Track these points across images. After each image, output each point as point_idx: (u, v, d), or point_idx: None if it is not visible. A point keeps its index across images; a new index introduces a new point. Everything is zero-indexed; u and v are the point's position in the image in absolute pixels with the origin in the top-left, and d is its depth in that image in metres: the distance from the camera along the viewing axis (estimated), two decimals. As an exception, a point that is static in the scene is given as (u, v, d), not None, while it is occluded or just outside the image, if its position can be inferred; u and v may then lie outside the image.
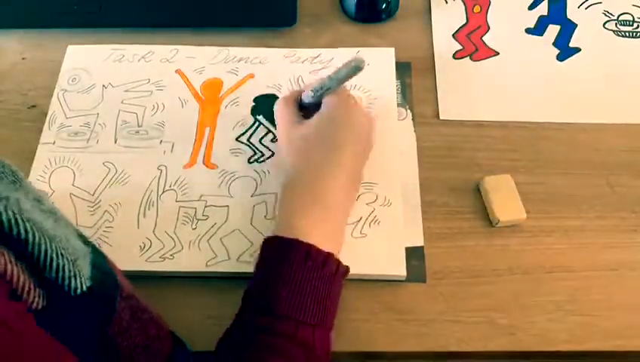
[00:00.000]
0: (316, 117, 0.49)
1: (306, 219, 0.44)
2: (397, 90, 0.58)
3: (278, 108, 0.52)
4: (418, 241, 0.50)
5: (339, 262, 0.44)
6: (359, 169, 0.49)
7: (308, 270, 0.42)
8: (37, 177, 0.53)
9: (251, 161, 0.54)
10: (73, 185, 0.53)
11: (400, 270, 0.48)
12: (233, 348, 0.41)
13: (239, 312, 0.43)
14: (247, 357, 0.40)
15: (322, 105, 0.50)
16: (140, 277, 0.48)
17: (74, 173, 0.53)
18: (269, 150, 0.54)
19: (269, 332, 0.40)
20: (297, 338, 0.40)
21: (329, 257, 0.43)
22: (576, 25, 0.63)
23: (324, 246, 0.43)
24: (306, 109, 0.52)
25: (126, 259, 0.48)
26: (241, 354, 0.40)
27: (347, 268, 0.45)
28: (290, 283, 0.41)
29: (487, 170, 0.53)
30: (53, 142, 0.55)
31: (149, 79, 0.59)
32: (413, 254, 0.49)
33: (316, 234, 0.43)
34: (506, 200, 0.51)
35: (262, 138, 0.55)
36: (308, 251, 0.42)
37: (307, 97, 0.51)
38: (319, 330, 0.41)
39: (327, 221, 0.45)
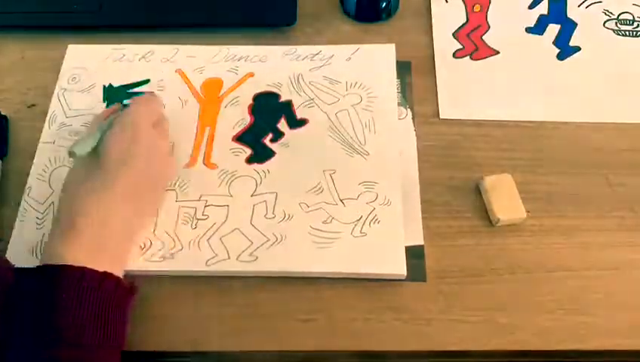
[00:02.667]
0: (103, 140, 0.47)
1: (73, 248, 0.42)
2: (397, 89, 0.58)
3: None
4: (418, 240, 0.50)
5: (119, 281, 0.43)
6: (138, 201, 0.47)
7: (83, 290, 0.41)
8: (37, 176, 0.53)
9: (251, 160, 0.54)
10: (73, 184, 0.52)
11: (400, 269, 0.48)
12: None
13: (17, 346, 0.40)
14: None
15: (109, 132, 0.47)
16: (140, 277, 0.48)
17: (74, 172, 0.53)
18: (270, 149, 0.54)
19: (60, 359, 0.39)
20: None
21: (106, 276, 0.42)
22: (577, 24, 0.63)
23: (100, 269, 0.42)
24: None
25: (126, 258, 0.48)
26: None
27: (132, 286, 0.44)
28: (67, 307, 0.40)
29: (487, 170, 0.53)
30: (53, 142, 0.55)
31: (149, 79, 0.59)
32: (414, 253, 0.49)
33: (87, 260, 0.42)
34: (506, 199, 0.51)
35: (262, 137, 0.55)
36: (82, 273, 0.41)
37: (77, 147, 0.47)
38: (103, 351, 0.41)
39: (102, 240, 0.44)
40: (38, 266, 0.43)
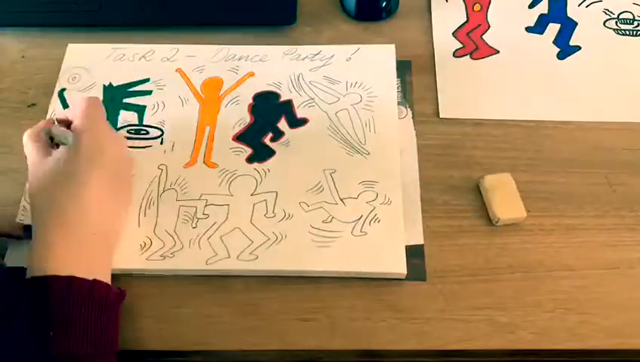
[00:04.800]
0: (60, 150, 0.46)
1: (57, 257, 0.42)
2: (397, 88, 0.58)
3: (24, 144, 0.48)
4: (418, 240, 0.50)
5: (108, 287, 0.43)
6: (116, 191, 0.47)
7: (74, 300, 0.40)
8: (37, 176, 0.53)
9: (251, 159, 0.54)
10: (73, 183, 0.52)
11: (400, 268, 0.48)
12: None
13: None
14: None
15: (72, 136, 0.46)
16: (140, 276, 0.48)
17: (74, 171, 0.53)
18: (270, 149, 0.54)
19: None
20: None
21: (95, 283, 0.42)
22: (577, 23, 0.63)
23: (88, 276, 0.42)
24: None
25: (126, 258, 0.48)
26: None
27: (121, 291, 0.44)
28: (59, 319, 0.39)
29: (487, 169, 0.53)
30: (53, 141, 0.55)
31: (149, 78, 0.59)
32: (414, 252, 0.49)
33: (74, 267, 0.41)
34: (506, 198, 0.51)
35: (262, 136, 0.55)
36: (69, 282, 0.41)
37: (56, 129, 0.48)
38: (100, 359, 0.41)
39: (83, 254, 0.43)
40: (26, 279, 0.42)
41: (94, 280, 0.42)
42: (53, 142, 0.48)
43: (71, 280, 0.41)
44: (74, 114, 0.48)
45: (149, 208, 0.51)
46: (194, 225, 0.50)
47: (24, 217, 0.51)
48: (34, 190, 0.46)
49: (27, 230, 0.48)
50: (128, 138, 0.55)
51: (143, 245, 0.49)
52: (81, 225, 0.44)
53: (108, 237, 0.46)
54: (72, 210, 0.44)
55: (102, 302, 0.42)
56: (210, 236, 0.50)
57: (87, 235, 0.44)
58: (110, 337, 0.42)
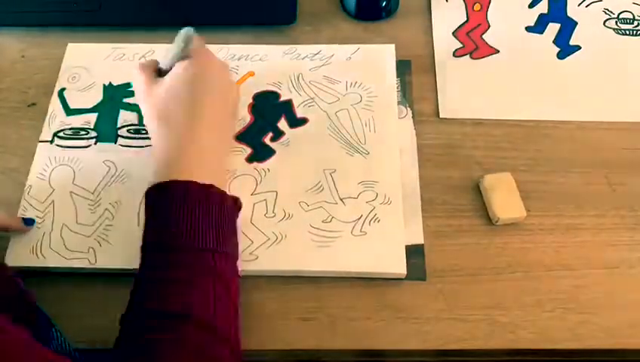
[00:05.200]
0: (169, 75, 0.50)
1: (179, 165, 0.45)
2: (397, 88, 0.58)
3: (134, 75, 0.51)
4: (418, 239, 0.50)
5: (223, 193, 0.45)
6: (222, 119, 0.50)
7: (192, 202, 0.43)
8: (37, 175, 0.53)
9: (251, 159, 0.54)
10: (73, 183, 0.53)
11: (400, 268, 0.48)
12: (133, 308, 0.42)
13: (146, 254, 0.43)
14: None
15: (176, 65, 0.50)
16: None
17: (74, 171, 0.53)
18: (270, 148, 0.54)
19: (172, 266, 0.42)
20: (198, 267, 0.42)
21: (210, 188, 0.44)
22: (577, 23, 0.63)
23: (205, 181, 0.44)
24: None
25: (126, 257, 0.48)
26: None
27: (236, 199, 0.47)
28: (178, 219, 0.42)
29: (487, 168, 0.53)
30: (53, 141, 0.55)
31: (149, 77, 0.59)
32: (414, 252, 0.49)
33: (194, 174, 0.44)
34: (506, 198, 0.51)
35: (262, 136, 0.55)
36: (187, 187, 0.44)
37: (164, 63, 0.51)
38: (219, 256, 0.43)
39: (202, 162, 0.46)
40: (150, 186, 0.45)
41: (210, 185, 0.44)
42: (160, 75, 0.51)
43: (187, 184, 0.44)
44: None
45: (149, 208, 0.51)
46: (194, 225, 0.50)
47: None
48: (149, 112, 0.49)
49: (27, 221, 0.49)
50: (127, 138, 0.55)
51: (142, 245, 0.49)
52: (194, 139, 0.47)
53: (220, 158, 0.49)
54: (187, 125, 0.47)
55: (217, 205, 0.44)
56: (210, 236, 0.49)
57: (205, 147, 0.47)
58: (226, 238, 0.44)
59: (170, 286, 0.41)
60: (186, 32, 0.49)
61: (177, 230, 0.42)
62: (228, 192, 0.47)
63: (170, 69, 0.50)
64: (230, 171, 0.53)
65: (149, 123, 0.49)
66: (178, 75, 0.49)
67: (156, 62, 0.52)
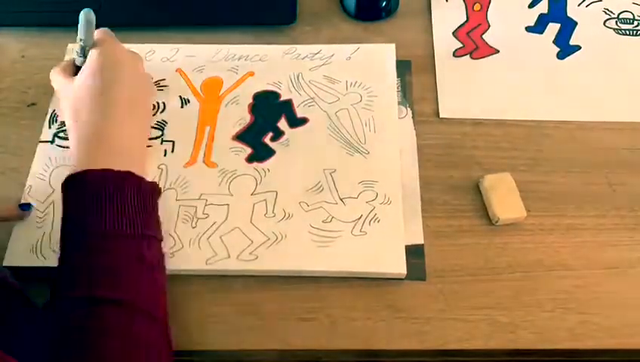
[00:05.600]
0: (80, 71, 0.51)
1: (94, 156, 0.46)
2: (397, 88, 0.58)
3: (52, 74, 0.53)
4: (418, 239, 0.50)
5: (141, 178, 0.46)
6: (135, 107, 0.51)
7: (108, 189, 0.44)
8: (37, 176, 0.53)
9: (251, 159, 0.54)
10: (73, 183, 0.53)
11: (400, 268, 0.48)
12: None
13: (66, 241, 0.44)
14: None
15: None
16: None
17: (74, 171, 0.53)
18: (270, 148, 0.54)
19: (94, 252, 0.42)
20: (122, 252, 0.43)
21: (127, 174, 0.45)
22: (577, 23, 0.63)
23: (122, 168, 0.45)
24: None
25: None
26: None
27: (154, 183, 0.48)
28: (98, 206, 0.43)
29: (487, 168, 0.53)
30: (53, 141, 0.55)
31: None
32: (413, 252, 0.49)
33: (109, 162, 0.45)
34: (505, 198, 0.51)
35: (262, 136, 0.55)
36: (103, 175, 0.44)
37: (77, 60, 0.52)
38: (142, 239, 0.44)
39: (117, 150, 0.47)
40: (66, 177, 0.46)
41: (127, 172, 0.45)
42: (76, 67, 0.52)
43: (104, 173, 0.45)
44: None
45: (149, 208, 0.51)
46: (194, 225, 0.50)
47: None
48: (65, 109, 0.51)
49: (23, 206, 0.50)
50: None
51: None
52: (107, 127, 0.48)
53: (138, 145, 0.50)
54: (99, 114, 0.48)
55: (134, 188, 0.45)
56: (210, 236, 0.50)
57: (119, 140, 0.48)
58: (147, 220, 0.45)
59: (95, 273, 0.42)
60: (84, 15, 0.50)
61: (97, 217, 0.43)
62: (151, 179, 0.48)
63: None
64: (232, 171, 0.53)
65: (66, 120, 0.51)
66: (86, 68, 0.50)
67: (72, 62, 0.53)
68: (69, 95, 0.50)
